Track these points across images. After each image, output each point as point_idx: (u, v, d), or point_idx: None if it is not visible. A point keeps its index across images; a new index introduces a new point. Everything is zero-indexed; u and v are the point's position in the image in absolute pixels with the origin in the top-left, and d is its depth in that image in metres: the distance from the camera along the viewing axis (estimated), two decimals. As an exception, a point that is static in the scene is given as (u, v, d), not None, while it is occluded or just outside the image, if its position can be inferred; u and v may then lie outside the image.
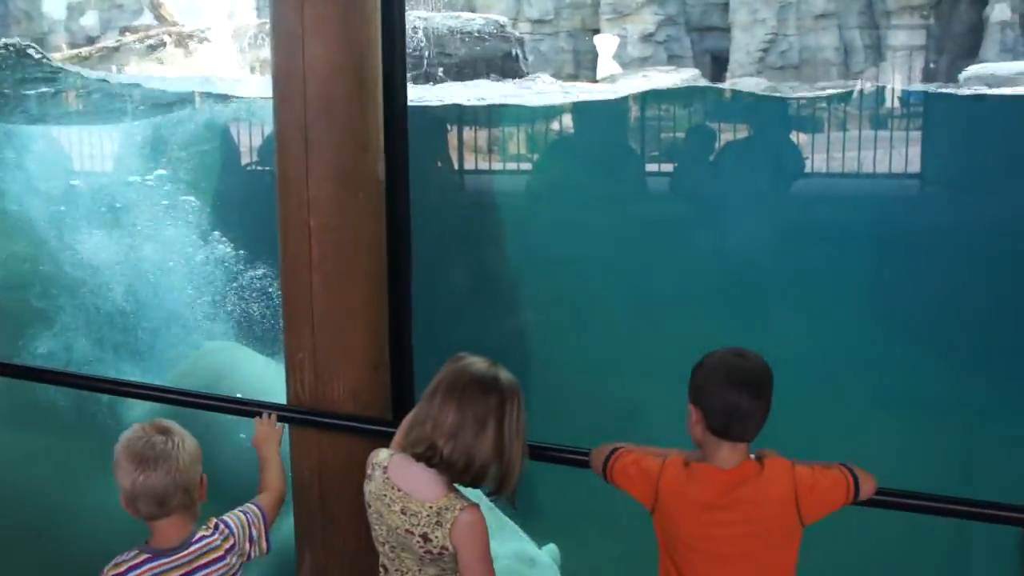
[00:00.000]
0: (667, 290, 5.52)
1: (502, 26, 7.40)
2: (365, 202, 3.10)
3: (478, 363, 2.44)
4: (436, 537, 2.37)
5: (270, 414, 3.04)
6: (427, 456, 2.37)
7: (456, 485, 2.43)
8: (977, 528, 3.11)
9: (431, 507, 2.38)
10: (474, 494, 2.49)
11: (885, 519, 2.85)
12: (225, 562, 2.48)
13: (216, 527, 2.52)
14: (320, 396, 3.13)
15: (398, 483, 2.43)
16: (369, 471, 2.54)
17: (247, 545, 2.55)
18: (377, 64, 3.15)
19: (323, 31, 2.98)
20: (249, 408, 3.18)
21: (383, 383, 3.18)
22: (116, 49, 10.90)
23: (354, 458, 2.91)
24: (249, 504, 2.67)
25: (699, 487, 2.41)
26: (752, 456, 2.47)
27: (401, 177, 3.27)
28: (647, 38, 22.70)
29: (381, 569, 2.56)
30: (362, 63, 3.08)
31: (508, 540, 4.76)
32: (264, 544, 2.61)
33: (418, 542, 2.39)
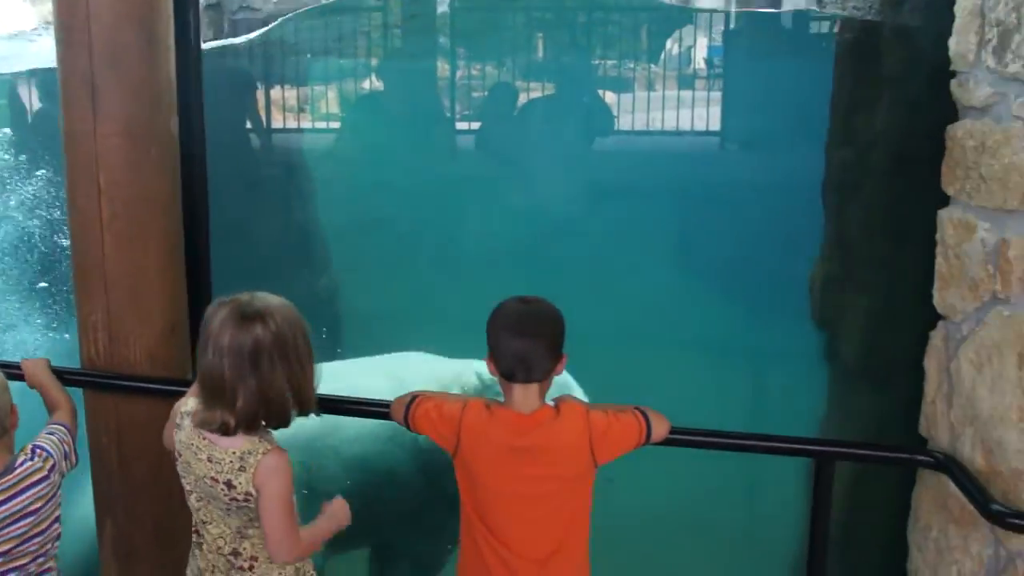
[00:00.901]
0: (475, 247, 5.60)
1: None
2: (158, 158, 3.01)
3: (236, 302, 2.36)
4: (240, 483, 2.35)
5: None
6: (223, 408, 2.34)
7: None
8: (768, 462, 3.33)
9: (235, 452, 2.35)
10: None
11: (683, 457, 3.00)
12: (50, 480, 2.54)
13: (34, 451, 2.56)
14: (116, 358, 3.04)
15: (204, 430, 2.40)
16: (178, 420, 2.49)
17: (63, 462, 2.62)
18: (168, 15, 3.05)
19: (107, -23, 2.87)
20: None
21: (182, 344, 3.12)
22: None
23: (153, 421, 2.83)
24: (52, 424, 2.72)
25: (499, 429, 2.49)
26: (550, 403, 2.56)
27: (197, 133, 3.20)
28: None
29: (194, 534, 2.53)
30: (151, 13, 2.98)
31: None
32: (74, 458, 2.69)
33: (223, 489, 2.36)
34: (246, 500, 2.36)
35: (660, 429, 2.61)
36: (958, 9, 2.85)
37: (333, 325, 5.67)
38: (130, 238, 2.98)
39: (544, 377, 2.49)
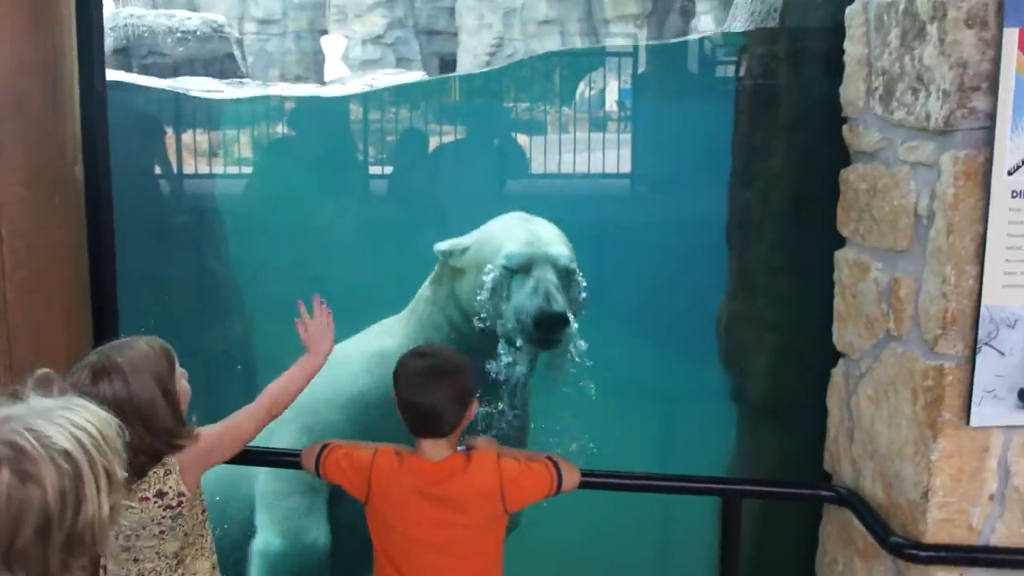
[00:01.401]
0: (388, 291, 5.59)
1: (220, 26, 7.19)
2: (62, 207, 2.97)
3: (88, 363, 2.41)
4: (170, 487, 2.36)
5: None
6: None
7: None
8: (679, 499, 3.38)
9: (151, 472, 2.38)
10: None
11: (595, 496, 3.03)
12: None
13: None
14: (18, 411, 2.98)
15: None
16: None
17: None
18: (72, 63, 3.03)
19: (8, 27, 2.83)
20: None
21: (88, 395, 3.06)
22: None
23: (58, 474, 2.78)
24: None
25: (409, 477, 2.49)
26: (461, 448, 2.58)
27: (102, 180, 3.17)
28: (375, 40, 22.74)
29: None
30: (56, 61, 2.95)
31: None
32: None
33: (155, 504, 2.35)
34: (179, 503, 2.38)
35: (571, 479, 2.64)
36: (847, 58, 2.98)
37: (248, 369, 5.60)
38: (33, 288, 2.92)
39: (452, 430, 2.50)
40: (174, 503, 2.39)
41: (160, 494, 2.36)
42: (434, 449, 2.50)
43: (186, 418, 2.52)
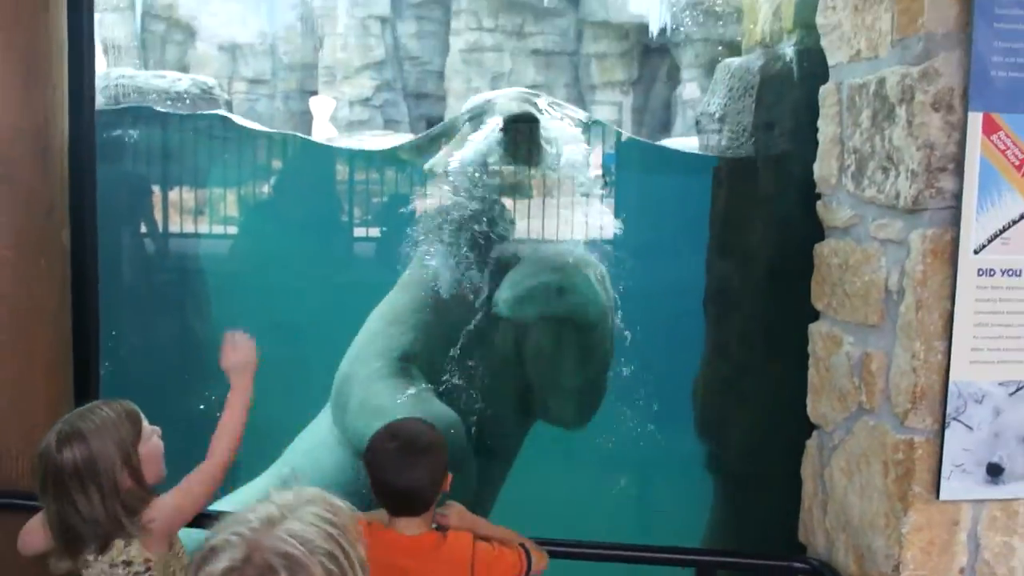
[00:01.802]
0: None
1: (210, 87, 7.25)
2: (47, 269, 3.01)
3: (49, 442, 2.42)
4: (134, 555, 2.38)
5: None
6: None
7: None
8: (656, 570, 3.39)
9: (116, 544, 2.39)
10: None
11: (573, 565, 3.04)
12: None
13: None
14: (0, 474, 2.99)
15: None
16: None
17: None
18: (62, 129, 3.09)
19: (2, 94, 2.89)
20: None
21: (67, 457, 3.06)
22: None
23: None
24: None
25: (381, 550, 2.49)
26: (434, 526, 2.57)
27: (89, 243, 3.21)
28: (364, 102, 22.94)
29: None
30: (46, 128, 3.01)
31: None
32: None
33: (124, 571, 2.38)
34: (147, 568, 2.40)
35: (539, 565, 2.67)
36: (821, 136, 3.06)
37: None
38: (15, 350, 2.95)
39: (427, 508, 2.51)
40: (142, 569, 2.40)
41: (127, 563, 2.38)
42: (408, 524, 2.50)
43: (163, 472, 2.54)
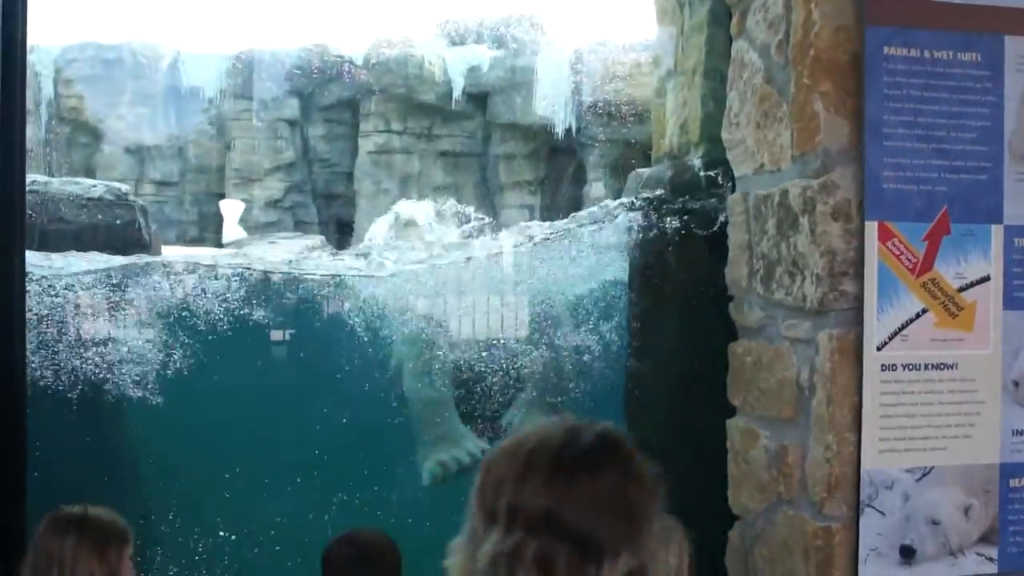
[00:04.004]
0: (291, 455, 5.63)
1: (124, 193, 7.26)
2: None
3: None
4: None
5: None
6: None
7: None
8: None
9: None
10: None
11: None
12: None
13: None
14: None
15: None
16: None
17: None
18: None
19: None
20: None
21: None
22: None
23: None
24: None
25: None
26: None
27: (16, 358, 3.21)
28: (274, 204, 22.97)
29: None
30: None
31: None
32: None
33: None
34: None
35: None
36: (731, 242, 3.26)
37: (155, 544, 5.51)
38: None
39: None
40: None
41: None
42: None
43: None
